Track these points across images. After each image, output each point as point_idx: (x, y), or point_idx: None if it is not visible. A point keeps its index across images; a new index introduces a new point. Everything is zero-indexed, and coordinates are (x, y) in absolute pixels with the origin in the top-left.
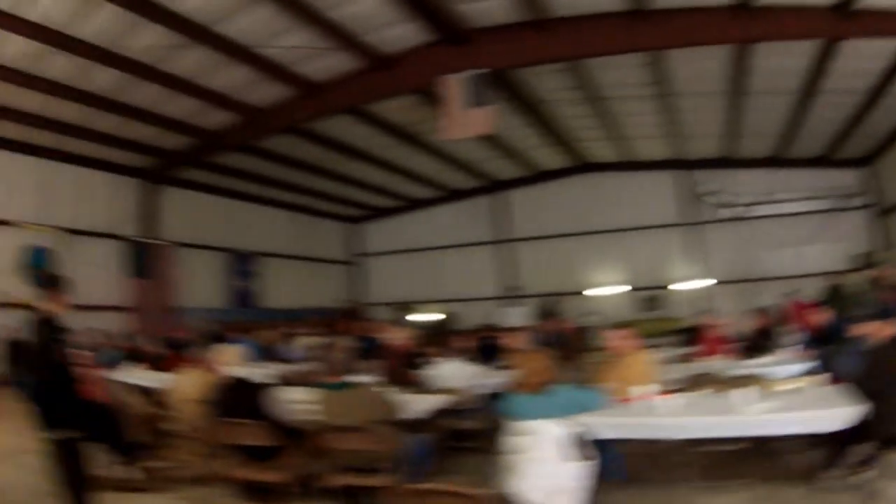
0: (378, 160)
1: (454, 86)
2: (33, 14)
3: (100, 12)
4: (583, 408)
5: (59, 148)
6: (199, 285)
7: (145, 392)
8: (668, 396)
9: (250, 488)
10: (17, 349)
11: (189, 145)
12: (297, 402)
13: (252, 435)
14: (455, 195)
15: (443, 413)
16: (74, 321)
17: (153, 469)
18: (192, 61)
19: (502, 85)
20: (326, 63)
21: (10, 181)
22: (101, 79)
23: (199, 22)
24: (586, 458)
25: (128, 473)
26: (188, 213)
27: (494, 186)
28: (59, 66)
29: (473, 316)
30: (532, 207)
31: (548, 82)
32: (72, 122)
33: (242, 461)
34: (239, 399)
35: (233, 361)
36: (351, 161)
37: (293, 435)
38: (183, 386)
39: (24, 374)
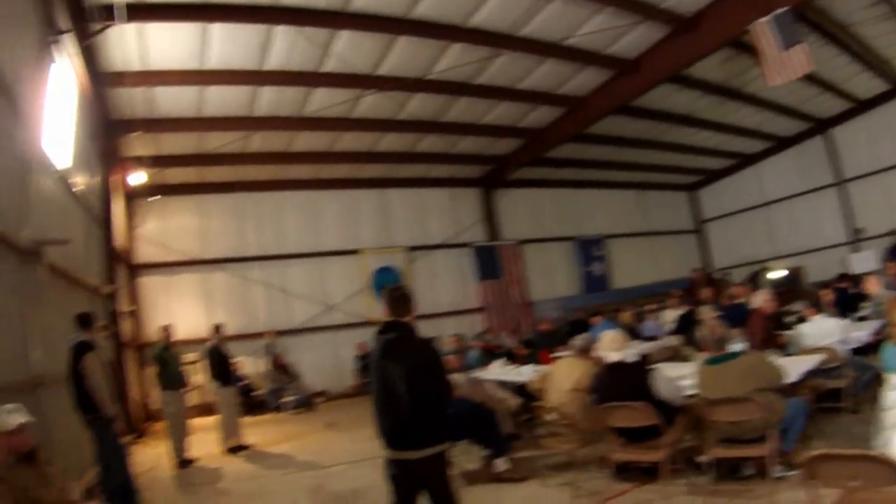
0: (704, 122)
1: (763, 31)
2: (328, 66)
3: (395, 47)
4: None
5: (391, 176)
6: (548, 277)
7: (512, 387)
8: None
9: (626, 469)
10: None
11: (519, 147)
12: (679, 379)
13: (636, 416)
14: (782, 144)
15: (811, 373)
16: (432, 329)
17: (526, 459)
18: (503, 69)
19: (805, 19)
20: (633, 38)
21: (356, 214)
22: (417, 106)
23: (497, 31)
24: None
25: (502, 466)
26: (528, 210)
27: (818, 127)
28: (374, 104)
29: (820, 267)
30: (859, 142)
31: (848, 4)
32: (398, 151)
33: (622, 443)
34: (622, 382)
35: (611, 346)
36: (679, 128)
37: (675, 412)
38: (558, 376)
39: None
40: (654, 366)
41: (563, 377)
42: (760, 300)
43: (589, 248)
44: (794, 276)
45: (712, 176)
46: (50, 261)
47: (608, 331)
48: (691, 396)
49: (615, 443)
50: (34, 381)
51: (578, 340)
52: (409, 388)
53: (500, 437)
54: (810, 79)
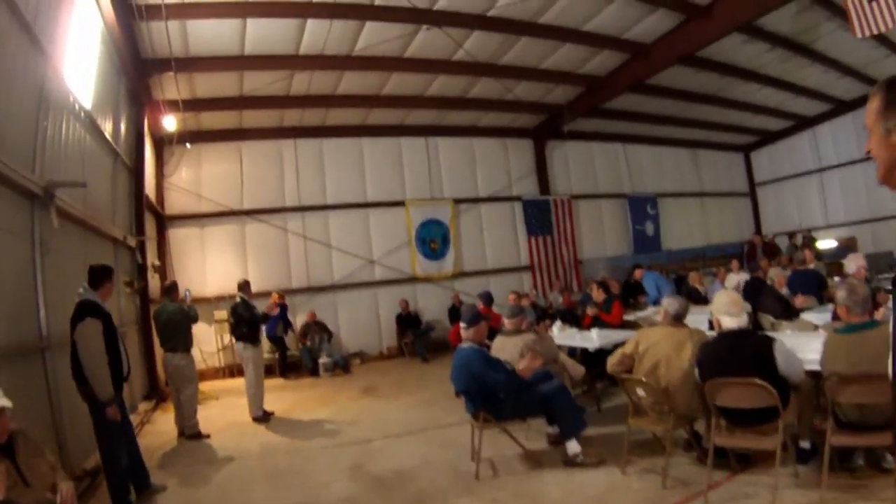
0: (768, 78)
1: None
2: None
3: None
4: None
5: (440, 123)
6: (598, 235)
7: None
8: None
9: (720, 453)
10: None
11: (576, 95)
12: (797, 350)
13: (752, 396)
14: (842, 107)
15: None
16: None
17: (595, 438)
18: (569, 6)
19: None
20: None
21: (401, 163)
22: (474, 45)
23: None
24: None
25: (575, 448)
26: (580, 164)
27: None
28: (428, 42)
29: (875, 239)
30: None
31: None
32: (449, 96)
33: (724, 425)
34: (739, 354)
35: (728, 310)
36: (741, 83)
37: (788, 390)
38: (659, 348)
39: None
40: (774, 338)
41: (664, 350)
42: (854, 265)
43: (642, 206)
44: (845, 248)
45: (768, 137)
46: (67, 206)
47: (722, 292)
48: (808, 372)
49: (716, 425)
50: (41, 342)
51: (673, 306)
52: None
53: (575, 415)
54: (881, 39)
